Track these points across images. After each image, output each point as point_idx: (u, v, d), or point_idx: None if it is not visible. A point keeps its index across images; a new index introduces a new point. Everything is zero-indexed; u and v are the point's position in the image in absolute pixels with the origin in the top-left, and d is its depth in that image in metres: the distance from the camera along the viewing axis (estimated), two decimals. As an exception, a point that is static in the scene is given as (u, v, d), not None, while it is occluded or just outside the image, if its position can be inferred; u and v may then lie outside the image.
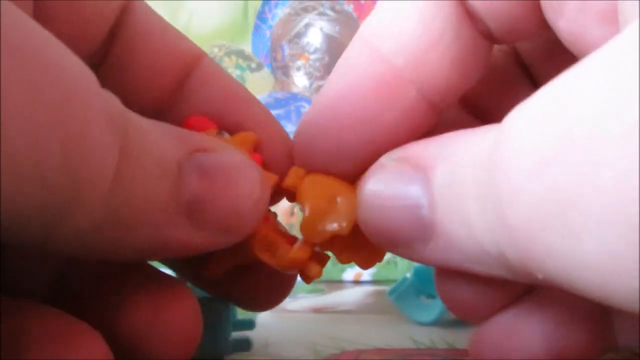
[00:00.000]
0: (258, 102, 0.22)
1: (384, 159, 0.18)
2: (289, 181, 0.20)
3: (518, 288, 0.19)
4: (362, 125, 0.18)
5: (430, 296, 0.36)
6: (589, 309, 0.19)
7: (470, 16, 0.18)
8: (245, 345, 0.28)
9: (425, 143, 0.17)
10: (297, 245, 0.19)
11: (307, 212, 0.19)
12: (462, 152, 0.15)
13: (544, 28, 0.17)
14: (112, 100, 0.15)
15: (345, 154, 0.18)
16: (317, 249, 0.20)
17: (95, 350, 0.16)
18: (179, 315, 0.17)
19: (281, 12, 0.53)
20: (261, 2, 0.53)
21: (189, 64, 0.21)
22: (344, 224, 0.18)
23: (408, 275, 0.36)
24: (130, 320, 0.17)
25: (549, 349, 0.18)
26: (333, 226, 0.18)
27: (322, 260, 0.20)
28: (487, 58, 0.19)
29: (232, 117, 0.21)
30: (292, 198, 0.20)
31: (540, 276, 0.13)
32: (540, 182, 0.12)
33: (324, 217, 0.19)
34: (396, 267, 0.50)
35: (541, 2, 0.17)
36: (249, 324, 0.30)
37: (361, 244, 0.19)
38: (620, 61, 0.12)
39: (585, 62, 0.12)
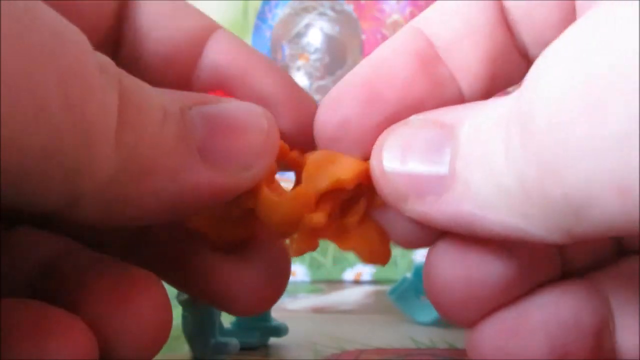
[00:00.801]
0: (277, 68, 0.21)
1: (410, 118, 0.18)
2: (293, 154, 0.19)
3: (512, 290, 0.18)
4: (397, 84, 0.18)
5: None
6: (593, 311, 0.18)
7: (509, 28, 0.19)
8: (228, 348, 0.28)
9: (451, 107, 0.17)
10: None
11: (309, 164, 0.19)
12: (489, 106, 0.16)
13: None
14: (100, 53, 0.15)
15: (374, 114, 0.18)
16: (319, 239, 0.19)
17: (81, 339, 0.16)
18: (147, 305, 0.17)
19: (281, 12, 0.53)
20: (261, 2, 0.53)
21: (200, 43, 0.20)
22: (348, 172, 0.18)
23: (408, 275, 0.36)
24: (98, 312, 0.17)
25: (552, 349, 0.18)
26: (335, 173, 0.18)
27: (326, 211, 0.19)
28: (519, 74, 0.19)
29: (250, 88, 0.20)
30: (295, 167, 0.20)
31: (558, 194, 0.13)
32: (571, 79, 0.13)
33: (326, 168, 0.18)
34: (396, 267, 0.50)
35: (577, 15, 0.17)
36: (283, 331, 0.30)
37: (368, 238, 0.19)
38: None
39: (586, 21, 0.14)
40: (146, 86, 0.16)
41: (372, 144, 0.18)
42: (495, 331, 0.18)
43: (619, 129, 0.12)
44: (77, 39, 0.14)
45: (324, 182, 0.18)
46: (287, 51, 0.53)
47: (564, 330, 0.18)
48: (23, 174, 0.13)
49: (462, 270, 0.18)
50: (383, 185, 0.17)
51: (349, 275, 0.50)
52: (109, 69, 0.15)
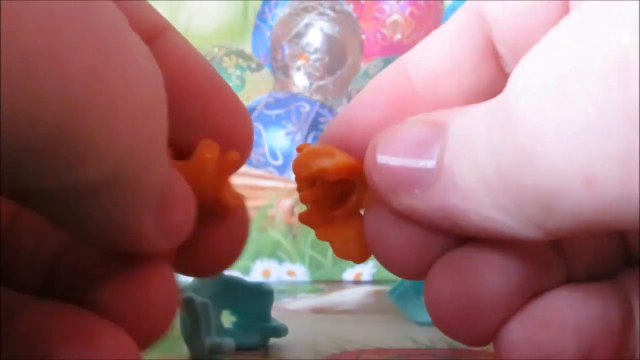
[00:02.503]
0: (219, 79, 0.21)
1: (407, 119, 0.18)
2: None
3: (515, 301, 0.18)
4: (369, 125, 0.19)
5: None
6: (620, 310, 0.18)
7: (495, 52, 0.19)
8: (223, 348, 0.28)
9: (447, 109, 0.18)
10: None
11: (303, 153, 0.19)
12: (481, 105, 0.16)
13: None
14: None
15: (354, 150, 0.19)
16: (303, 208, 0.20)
17: (123, 347, 0.16)
18: (155, 291, 0.17)
19: (281, 12, 0.53)
20: (261, 2, 0.53)
21: (148, 36, 0.20)
22: (332, 164, 0.19)
23: (408, 275, 0.36)
24: (107, 299, 0.17)
25: (579, 344, 0.18)
26: (322, 162, 0.19)
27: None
28: None
29: (189, 93, 0.20)
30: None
31: (531, 182, 0.14)
32: (546, 70, 0.14)
33: (317, 157, 0.19)
34: (396, 267, 0.50)
35: None
36: (283, 331, 0.30)
37: (347, 233, 0.19)
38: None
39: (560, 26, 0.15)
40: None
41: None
42: (525, 322, 0.18)
43: (583, 119, 0.13)
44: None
45: (308, 170, 0.19)
46: (287, 51, 0.53)
47: (592, 326, 0.18)
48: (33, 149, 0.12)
49: (461, 287, 0.18)
50: (374, 177, 0.18)
51: (349, 275, 0.50)
52: None
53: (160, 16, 0.21)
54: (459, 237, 0.18)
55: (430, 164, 0.17)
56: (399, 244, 0.18)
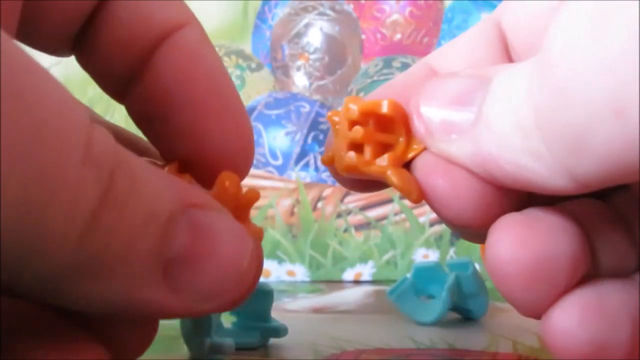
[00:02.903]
0: (229, 86, 0.20)
1: (455, 71, 0.19)
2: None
3: (577, 270, 0.17)
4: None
5: (430, 296, 0.36)
6: None
7: (509, 55, 0.20)
8: (223, 349, 0.28)
9: (496, 65, 0.19)
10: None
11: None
12: (519, 67, 0.17)
13: None
14: (101, 139, 0.14)
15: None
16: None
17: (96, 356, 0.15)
18: None
19: (281, 12, 0.53)
20: (261, 2, 0.53)
21: (164, 33, 0.19)
22: (386, 98, 0.19)
23: (408, 275, 0.36)
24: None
25: (633, 332, 0.17)
26: (374, 97, 0.20)
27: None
28: None
29: (193, 100, 0.19)
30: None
31: (565, 120, 0.14)
32: (576, 54, 0.14)
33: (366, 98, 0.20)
34: (396, 267, 0.50)
35: None
36: (282, 331, 0.30)
37: (402, 173, 0.19)
38: None
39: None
40: (144, 176, 0.15)
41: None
42: (579, 306, 0.17)
43: (618, 48, 0.13)
44: (66, 117, 0.13)
45: (361, 102, 0.19)
46: (287, 51, 0.52)
47: None
48: None
49: (531, 246, 0.17)
50: (416, 121, 0.19)
51: (349, 275, 0.50)
52: (101, 160, 0.14)
53: (179, 11, 0.20)
54: (520, 198, 0.18)
55: (470, 111, 0.17)
56: (456, 194, 0.18)
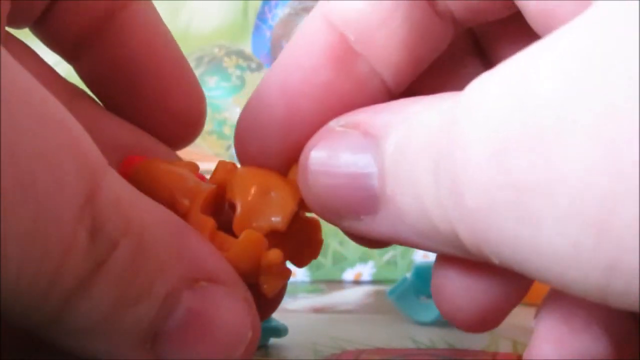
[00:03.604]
0: (178, 56, 0.21)
1: (332, 124, 0.17)
2: (218, 175, 0.18)
3: (524, 284, 0.18)
4: (315, 92, 0.17)
5: (430, 296, 0.36)
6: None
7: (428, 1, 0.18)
8: None
9: (376, 109, 0.16)
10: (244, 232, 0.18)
11: (238, 210, 0.18)
12: (417, 120, 0.15)
13: (509, 8, 0.16)
14: (109, 197, 0.13)
15: (295, 125, 0.17)
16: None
17: None
18: None
19: (281, 12, 0.53)
20: (261, 2, 0.53)
21: (108, 11, 0.20)
22: (280, 219, 0.17)
23: (408, 275, 0.36)
24: None
25: (609, 338, 0.17)
26: (269, 221, 0.17)
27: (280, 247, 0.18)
28: (444, 41, 0.18)
29: (146, 72, 0.20)
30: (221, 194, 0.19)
31: (496, 261, 0.13)
32: (501, 166, 0.12)
33: (258, 213, 0.18)
34: (396, 267, 0.50)
35: None
36: (283, 331, 0.30)
37: (295, 239, 0.19)
38: (590, 39, 0.11)
39: (553, 37, 0.12)
40: (153, 249, 0.14)
41: (297, 157, 0.17)
42: (549, 341, 0.17)
43: (549, 239, 0.12)
44: (56, 178, 0.12)
45: (260, 228, 0.18)
46: (287, 51, 0.53)
47: (618, 320, 0.17)
48: None
49: (471, 290, 0.17)
50: (314, 204, 0.17)
51: (349, 275, 0.50)
52: (103, 224, 0.13)
53: None
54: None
55: (371, 191, 0.15)
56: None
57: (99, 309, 0.13)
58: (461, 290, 0.17)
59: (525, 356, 0.17)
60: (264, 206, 0.18)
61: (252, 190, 0.18)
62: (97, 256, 0.13)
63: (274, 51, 0.53)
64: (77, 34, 0.20)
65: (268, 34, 0.53)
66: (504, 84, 0.12)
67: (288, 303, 0.41)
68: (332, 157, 0.16)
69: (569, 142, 0.11)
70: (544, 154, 0.11)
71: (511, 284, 0.17)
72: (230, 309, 0.15)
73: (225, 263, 0.16)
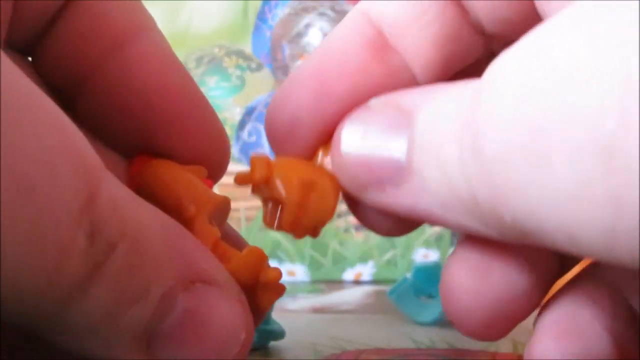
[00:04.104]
0: (196, 92, 0.20)
1: (370, 102, 0.17)
2: (259, 173, 0.18)
3: (534, 299, 0.18)
4: (349, 74, 0.18)
5: (430, 296, 0.36)
6: (626, 307, 0.18)
7: (460, 6, 0.18)
8: None
9: (411, 90, 0.17)
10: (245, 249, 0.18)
11: (287, 208, 0.18)
12: (446, 97, 0.15)
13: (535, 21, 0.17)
14: (108, 200, 0.13)
15: (326, 107, 0.18)
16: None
17: None
18: None
19: (281, 12, 0.53)
20: (261, 2, 0.53)
21: (119, 41, 0.19)
22: (327, 213, 0.18)
23: (408, 275, 0.36)
24: None
25: (613, 343, 0.17)
26: (317, 217, 0.18)
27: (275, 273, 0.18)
28: (474, 49, 0.19)
29: (158, 107, 0.19)
30: (257, 190, 0.18)
31: (508, 219, 0.14)
32: (518, 112, 0.13)
33: (306, 209, 0.18)
34: (396, 267, 0.50)
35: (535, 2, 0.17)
36: (280, 334, 0.30)
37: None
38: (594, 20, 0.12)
39: (567, 11, 0.13)
40: (150, 251, 0.14)
41: (326, 139, 0.18)
42: (553, 336, 0.17)
43: (563, 187, 0.12)
44: (54, 183, 0.12)
45: (305, 231, 0.18)
46: (287, 51, 0.52)
47: (620, 321, 0.17)
48: None
49: (484, 291, 0.17)
50: (343, 173, 0.17)
51: (349, 275, 0.50)
52: (100, 226, 0.13)
53: (137, 16, 0.19)
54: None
55: (399, 156, 0.16)
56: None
57: (97, 310, 0.13)
58: (470, 293, 0.17)
59: (526, 355, 0.17)
60: (310, 201, 0.18)
61: (297, 187, 0.18)
62: (95, 258, 0.13)
63: (274, 51, 0.53)
64: (79, 68, 0.19)
65: (268, 34, 0.53)
66: (524, 54, 0.14)
67: (288, 303, 0.41)
68: (366, 131, 0.17)
69: (584, 84, 0.12)
70: (561, 95, 0.12)
71: (522, 292, 0.17)
72: (225, 310, 0.15)
73: (220, 265, 0.16)
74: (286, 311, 0.38)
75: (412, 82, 0.18)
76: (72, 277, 0.13)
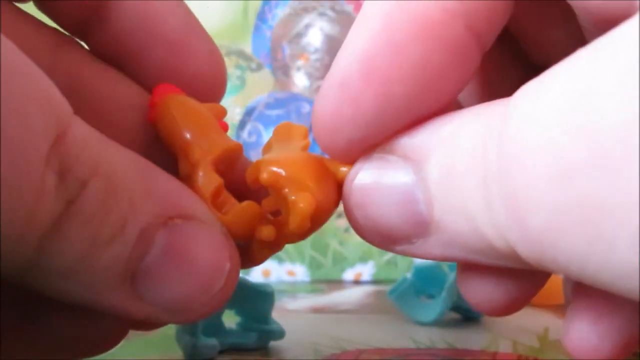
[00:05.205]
0: (192, 20, 0.20)
1: (376, 153, 0.16)
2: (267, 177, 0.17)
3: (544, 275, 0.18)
4: (406, 72, 0.15)
5: (430, 296, 0.36)
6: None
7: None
8: (204, 350, 0.28)
9: (412, 131, 0.16)
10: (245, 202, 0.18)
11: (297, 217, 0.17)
12: (457, 139, 0.14)
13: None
14: (77, 139, 0.13)
15: (387, 117, 0.16)
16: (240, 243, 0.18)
17: None
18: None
19: (281, 12, 0.53)
20: (261, 2, 0.53)
21: None
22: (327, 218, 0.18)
23: (408, 275, 0.36)
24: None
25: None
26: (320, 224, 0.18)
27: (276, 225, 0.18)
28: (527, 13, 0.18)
29: (159, 36, 0.19)
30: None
31: (559, 274, 0.13)
32: (567, 186, 0.12)
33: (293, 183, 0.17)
34: (396, 267, 0.50)
35: None
36: (279, 334, 0.30)
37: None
38: None
39: (612, 43, 0.11)
40: (124, 186, 0.14)
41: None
42: (590, 320, 0.17)
43: (623, 258, 0.11)
44: (24, 121, 0.12)
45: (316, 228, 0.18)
46: (287, 51, 0.52)
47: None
48: None
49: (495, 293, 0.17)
50: (366, 233, 0.17)
51: (349, 275, 0.50)
52: (70, 163, 0.13)
53: None
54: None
55: (420, 217, 0.15)
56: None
57: (74, 250, 0.14)
58: (490, 284, 0.17)
59: (565, 341, 0.17)
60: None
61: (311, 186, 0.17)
62: (67, 196, 0.13)
63: (274, 51, 0.53)
64: (84, 9, 0.19)
65: (268, 34, 0.53)
66: (559, 95, 0.12)
67: (288, 303, 0.41)
68: (376, 185, 0.16)
69: (637, 162, 0.11)
70: (612, 174, 0.11)
71: (536, 274, 0.17)
72: (207, 243, 0.16)
73: (199, 201, 0.16)
74: (286, 311, 0.38)
75: (475, 50, 0.16)
76: (46, 217, 0.13)
